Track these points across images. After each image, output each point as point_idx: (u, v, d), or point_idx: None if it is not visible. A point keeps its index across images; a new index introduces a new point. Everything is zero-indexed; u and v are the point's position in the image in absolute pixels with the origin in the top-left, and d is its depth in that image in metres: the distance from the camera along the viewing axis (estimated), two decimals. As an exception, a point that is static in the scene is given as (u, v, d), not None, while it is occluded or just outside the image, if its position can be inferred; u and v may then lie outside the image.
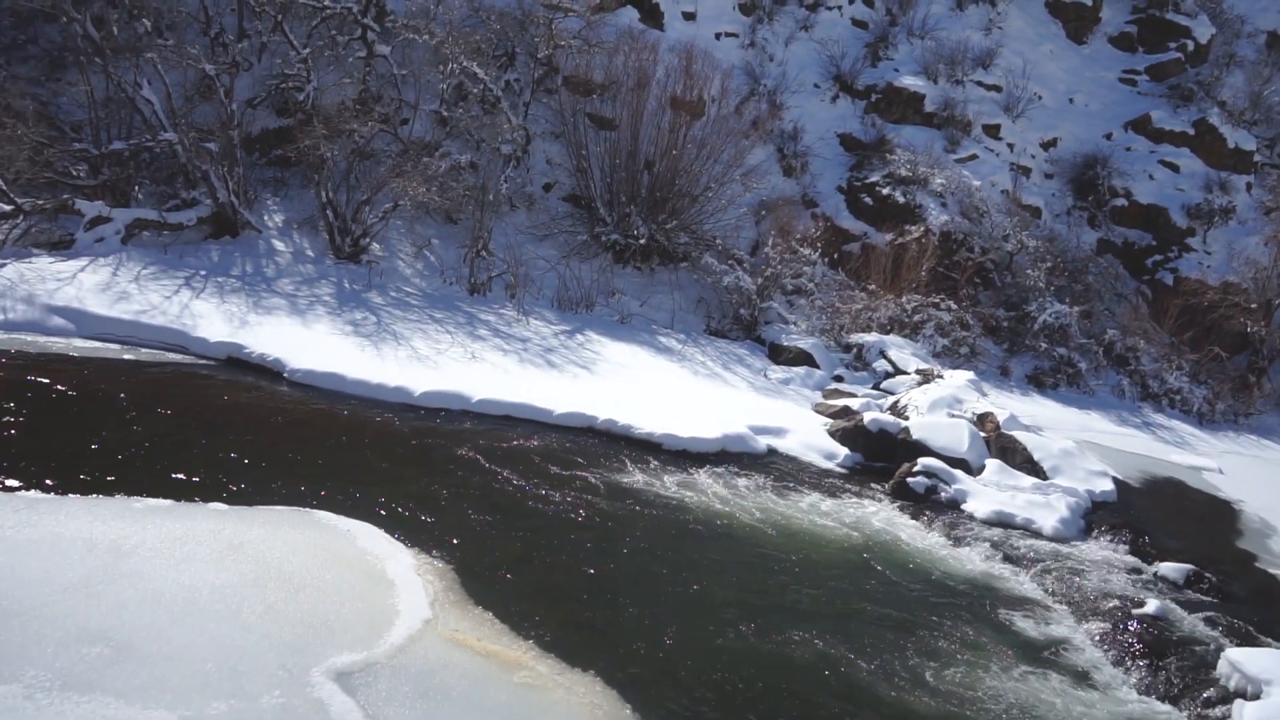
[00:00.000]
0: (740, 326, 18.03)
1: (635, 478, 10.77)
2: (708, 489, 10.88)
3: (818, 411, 14.59)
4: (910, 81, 22.76)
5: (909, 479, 11.95)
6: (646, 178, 19.04)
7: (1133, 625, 8.81)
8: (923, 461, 12.17)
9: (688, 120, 19.21)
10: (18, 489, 7.62)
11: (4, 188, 14.22)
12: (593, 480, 10.44)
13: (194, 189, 16.33)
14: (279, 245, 16.39)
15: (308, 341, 12.85)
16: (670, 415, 12.55)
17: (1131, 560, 10.78)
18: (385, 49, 18.77)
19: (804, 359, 16.63)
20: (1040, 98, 23.88)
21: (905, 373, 15.96)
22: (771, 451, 12.65)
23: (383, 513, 8.53)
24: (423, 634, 6.60)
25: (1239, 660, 7.92)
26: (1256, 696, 7.56)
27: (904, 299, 18.38)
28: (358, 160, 17.18)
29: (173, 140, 16.20)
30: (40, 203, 14.79)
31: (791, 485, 11.51)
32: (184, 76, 17.43)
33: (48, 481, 7.85)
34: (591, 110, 19.70)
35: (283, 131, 17.72)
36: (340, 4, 18.31)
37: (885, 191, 20.46)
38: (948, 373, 15.63)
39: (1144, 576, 10.32)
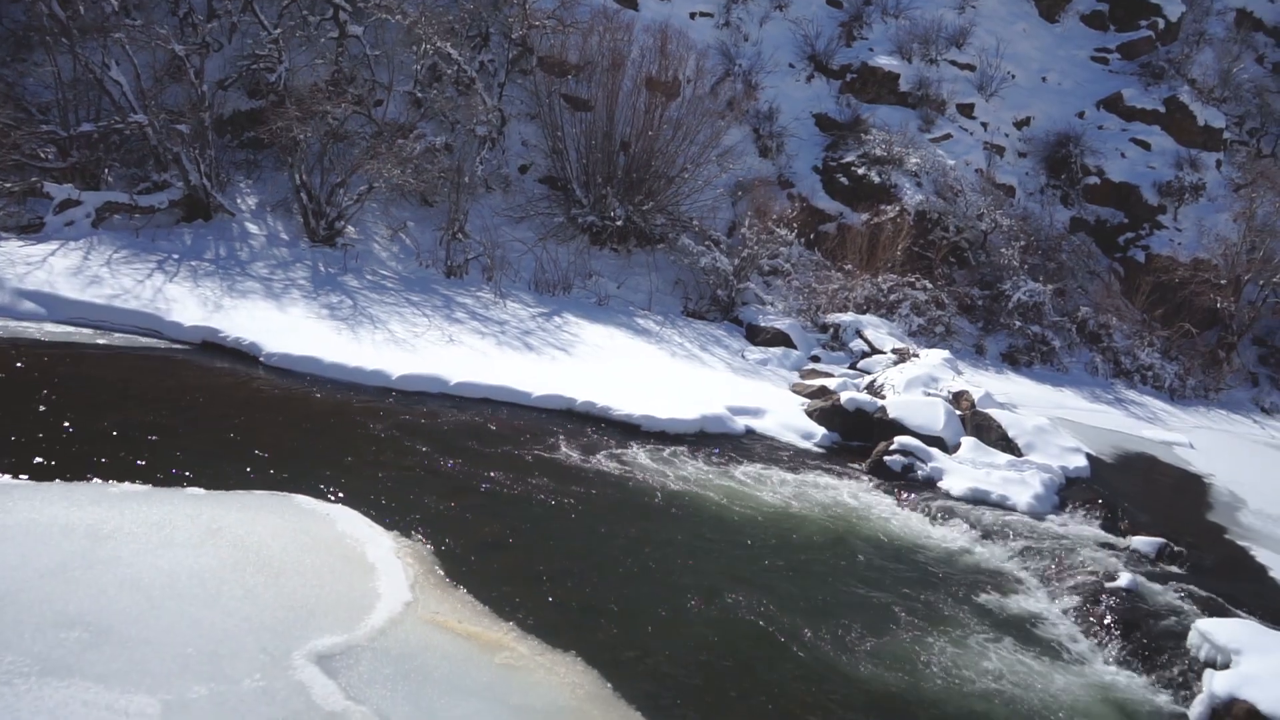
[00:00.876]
0: (718, 308, 18.07)
1: (614, 459, 10.80)
2: (686, 470, 10.92)
3: (795, 392, 14.67)
4: (885, 61, 22.79)
5: (886, 457, 12.06)
6: (623, 159, 18.99)
7: (1105, 598, 8.95)
8: (899, 440, 12.28)
9: (663, 101, 19.15)
10: (-9, 476, 7.55)
11: (-30, 171, 14.00)
12: (572, 462, 10.46)
13: (165, 172, 16.12)
14: (253, 228, 16.24)
15: (283, 325, 12.76)
16: (649, 397, 12.58)
17: (1104, 535, 10.95)
18: (357, 29, 18.57)
19: (781, 339, 16.70)
20: (1014, 76, 24.00)
21: (881, 352, 16.07)
22: (749, 432, 12.72)
23: (362, 496, 8.51)
24: (403, 616, 6.60)
25: (1209, 630, 8.07)
26: (1226, 665, 7.71)
27: (880, 278, 18.48)
28: (331, 142, 17.02)
29: (143, 122, 15.98)
30: (8, 185, 14.56)
31: (769, 465, 11.58)
32: (153, 57, 17.16)
33: (22, 467, 7.77)
34: (566, 91, 19.61)
35: (255, 113, 17.53)
36: (311, -17, 18.10)
37: (861, 171, 20.51)
38: (923, 351, 15.75)
39: (1116, 550, 10.47)
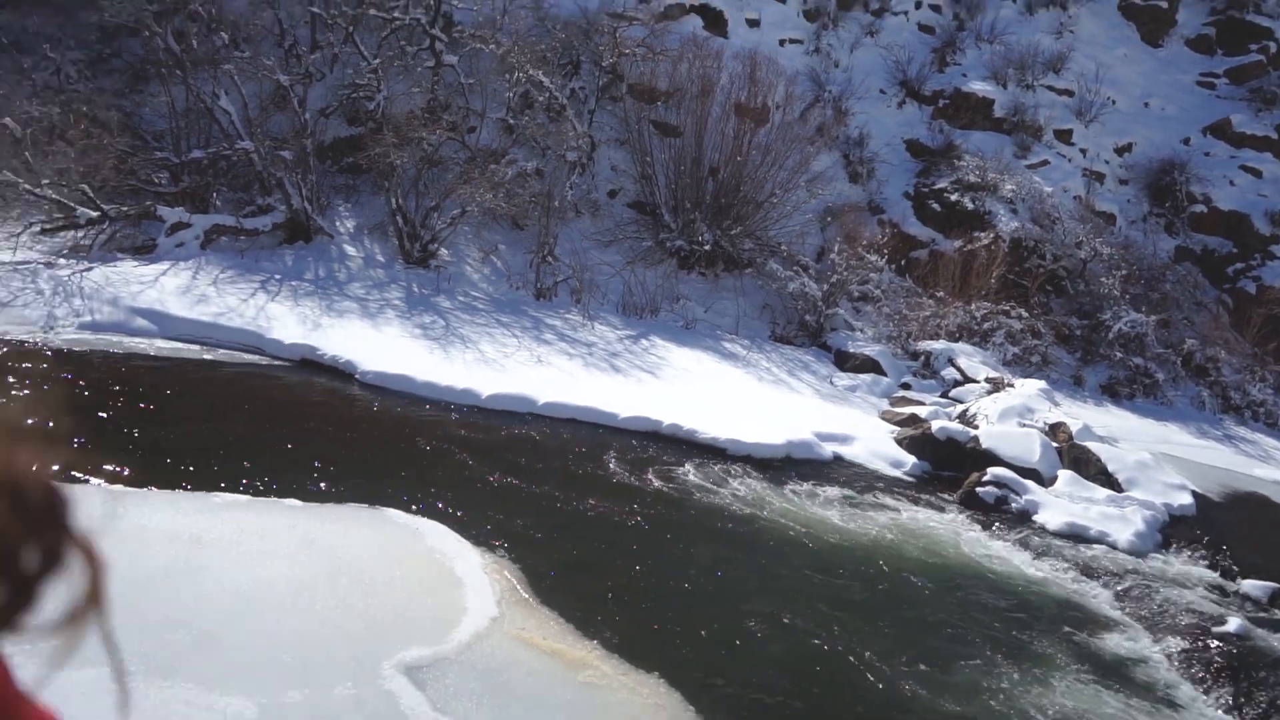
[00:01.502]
0: (806, 333, 17.91)
1: (699, 483, 10.75)
2: (772, 495, 10.81)
3: (884, 419, 14.42)
4: (979, 86, 22.42)
5: (978, 488, 11.74)
6: (711, 184, 19.05)
7: (1213, 643, 8.52)
8: (992, 471, 11.95)
9: (752, 127, 19.17)
10: (103, 483, 7.89)
11: (91, 195, 14.76)
12: (657, 485, 10.45)
13: (269, 196, 16.76)
14: (350, 250, 16.74)
15: (378, 344, 13.08)
16: (735, 421, 12.50)
17: (1211, 576, 10.44)
18: (453, 59, 19.06)
19: (871, 366, 16.46)
20: (1114, 102, 23.34)
21: (974, 381, 15.69)
22: (837, 459, 12.52)
23: (451, 512, 8.64)
24: (490, 632, 6.65)
25: (1328, 680, 7.63)
26: (1347, 718, 7.27)
27: (973, 306, 18.09)
28: (426, 167, 17.47)
29: (249, 149, 16.65)
30: (125, 209, 15.32)
31: (857, 493, 11.39)
32: (260, 87, 17.91)
33: (132, 476, 8.10)
34: (656, 117, 19.78)
35: (354, 140, 18.11)
36: (409, 15, 18.67)
37: (953, 198, 20.17)
38: (1019, 381, 15.34)
39: (1225, 594, 9.99)
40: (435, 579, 7.24)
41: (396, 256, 16.78)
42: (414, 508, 8.54)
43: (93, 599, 0.42)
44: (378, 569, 7.12)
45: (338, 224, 17.39)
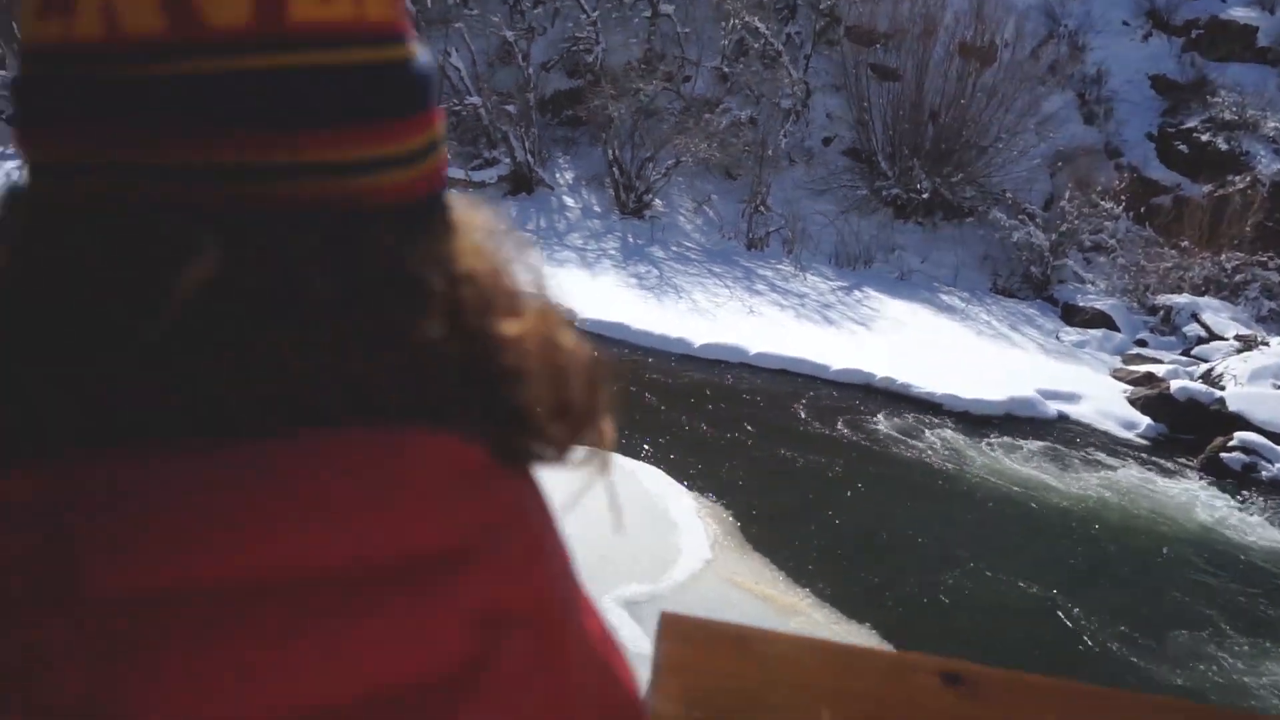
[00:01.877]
0: (1030, 285, 17.04)
1: (913, 438, 10.57)
2: (990, 453, 10.48)
3: (1116, 377, 13.57)
4: (1240, 13, 20.24)
5: (1223, 454, 10.88)
6: (931, 129, 18.33)
7: None
8: (1240, 436, 11.03)
9: (977, 67, 18.23)
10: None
11: (338, 150, 16.00)
12: (868, 438, 10.36)
13: (494, 149, 17.58)
14: (569, 201, 17.35)
15: (595, 292, 13.57)
16: (952, 375, 12.15)
17: None
18: (669, 8, 19.16)
19: (1102, 321, 15.49)
20: None
21: (1222, 338, 14.45)
22: (1062, 417, 11.94)
23: (664, 456, 8.93)
24: (703, 573, 6.89)
25: None
26: None
27: (1223, 257, 16.60)
28: (642, 118, 17.76)
29: (477, 104, 17.50)
30: (367, 162, 16.53)
31: (1084, 454, 10.84)
32: (487, 44, 18.72)
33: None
34: (874, 61, 19.16)
35: (573, 92, 18.64)
36: (628, -34, 18.92)
37: (1204, 138, 18.44)
38: (1275, 340, 14.01)
39: None
40: (651, 519, 7.55)
41: (612, 207, 17.24)
42: (629, 450, 8.89)
43: (606, 447, 0.66)
44: (597, 506, 7.49)
45: (557, 176, 18.03)
